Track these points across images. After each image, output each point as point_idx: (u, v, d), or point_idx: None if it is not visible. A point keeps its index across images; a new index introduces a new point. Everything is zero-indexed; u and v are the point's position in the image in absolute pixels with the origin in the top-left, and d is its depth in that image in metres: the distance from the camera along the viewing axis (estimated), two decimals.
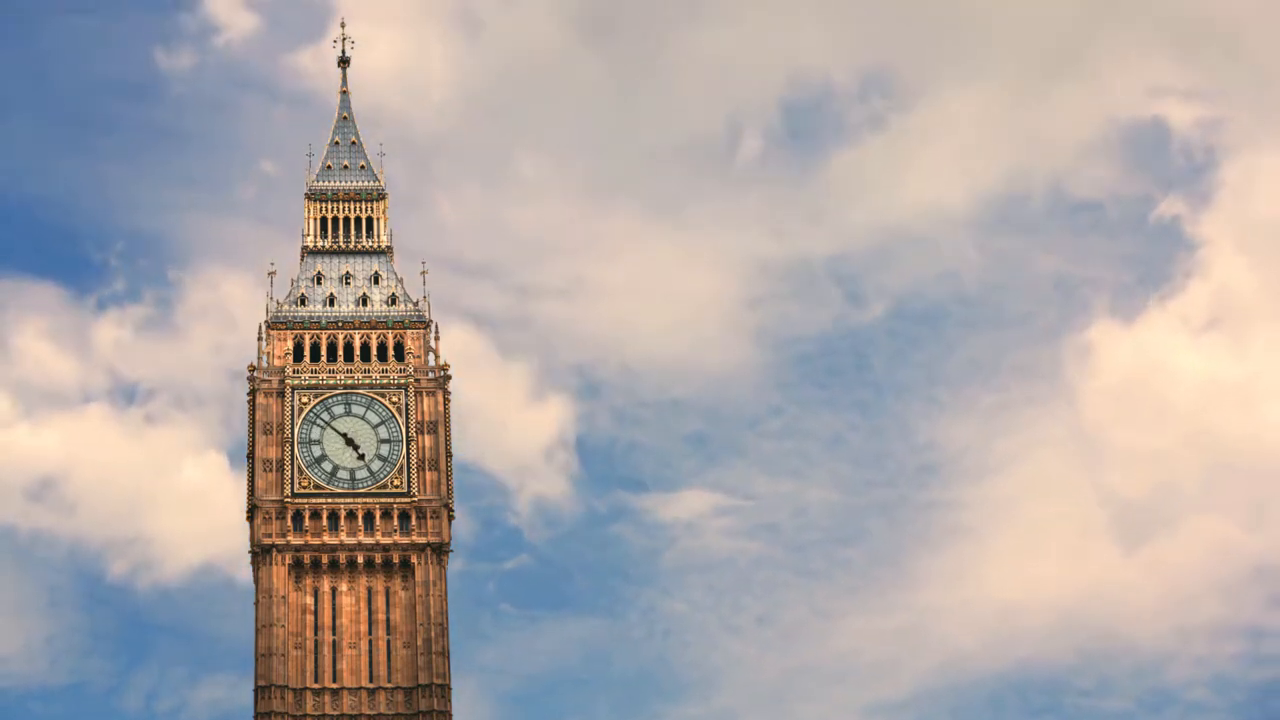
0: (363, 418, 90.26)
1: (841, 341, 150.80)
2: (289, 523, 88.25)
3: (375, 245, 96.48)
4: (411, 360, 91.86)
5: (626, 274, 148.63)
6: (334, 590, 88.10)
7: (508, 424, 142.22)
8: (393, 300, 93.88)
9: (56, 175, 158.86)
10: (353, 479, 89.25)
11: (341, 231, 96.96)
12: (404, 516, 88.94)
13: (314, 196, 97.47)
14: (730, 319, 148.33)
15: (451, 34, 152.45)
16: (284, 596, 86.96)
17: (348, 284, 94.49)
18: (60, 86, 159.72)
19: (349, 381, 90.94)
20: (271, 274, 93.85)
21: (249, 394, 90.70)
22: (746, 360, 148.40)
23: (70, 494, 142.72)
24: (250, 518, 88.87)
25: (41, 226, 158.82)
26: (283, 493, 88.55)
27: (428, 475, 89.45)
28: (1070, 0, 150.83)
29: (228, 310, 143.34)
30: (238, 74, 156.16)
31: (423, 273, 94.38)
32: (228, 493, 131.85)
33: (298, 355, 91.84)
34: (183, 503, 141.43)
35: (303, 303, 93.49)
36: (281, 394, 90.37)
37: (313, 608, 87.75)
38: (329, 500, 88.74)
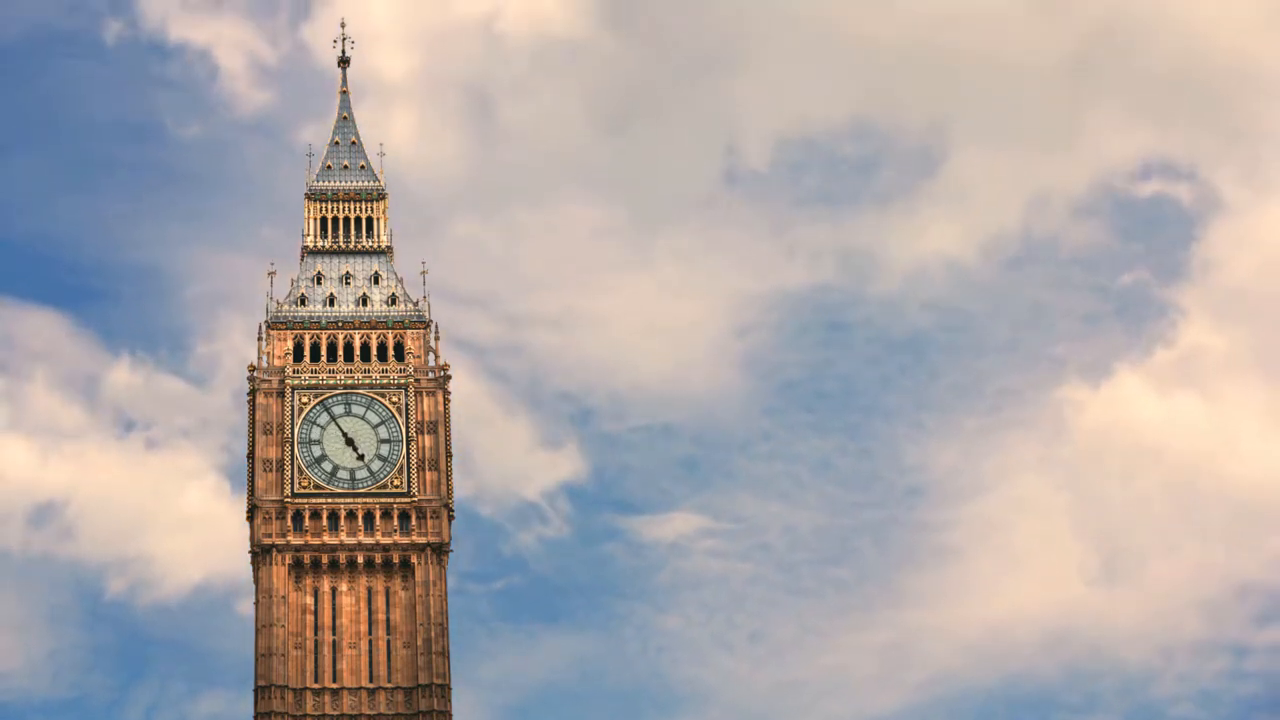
0: (363, 418, 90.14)
1: (827, 368, 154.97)
2: (289, 523, 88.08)
3: (375, 245, 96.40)
4: (411, 360, 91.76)
5: (618, 305, 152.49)
6: (334, 590, 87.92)
7: (502, 456, 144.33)
8: (393, 300, 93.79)
9: (60, 211, 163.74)
10: (353, 479, 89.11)
11: (341, 231, 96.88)
12: (404, 516, 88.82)
13: (314, 196, 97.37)
14: (718, 348, 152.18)
15: (462, 114, 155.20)
16: (284, 596, 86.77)
17: (348, 284, 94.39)
18: (68, 128, 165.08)
19: (349, 381, 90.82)
20: (271, 274, 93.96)
21: (249, 394, 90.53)
22: (735, 387, 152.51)
23: (72, 518, 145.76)
24: (250, 518, 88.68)
25: (45, 258, 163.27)
26: (283, 493, 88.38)
27: (428, 475, 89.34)
28: (1065, 70, 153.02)
29: (230, 340, 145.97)
30: (243, 127, 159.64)
31: (423, 273, 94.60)
32: (227, 515, 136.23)
33: (298, 355, 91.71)
34: (183, 525, 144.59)
35: (303, 303, 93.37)
36: (281, 394, 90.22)
37: (313, 608, 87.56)
38: (329, 500, 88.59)
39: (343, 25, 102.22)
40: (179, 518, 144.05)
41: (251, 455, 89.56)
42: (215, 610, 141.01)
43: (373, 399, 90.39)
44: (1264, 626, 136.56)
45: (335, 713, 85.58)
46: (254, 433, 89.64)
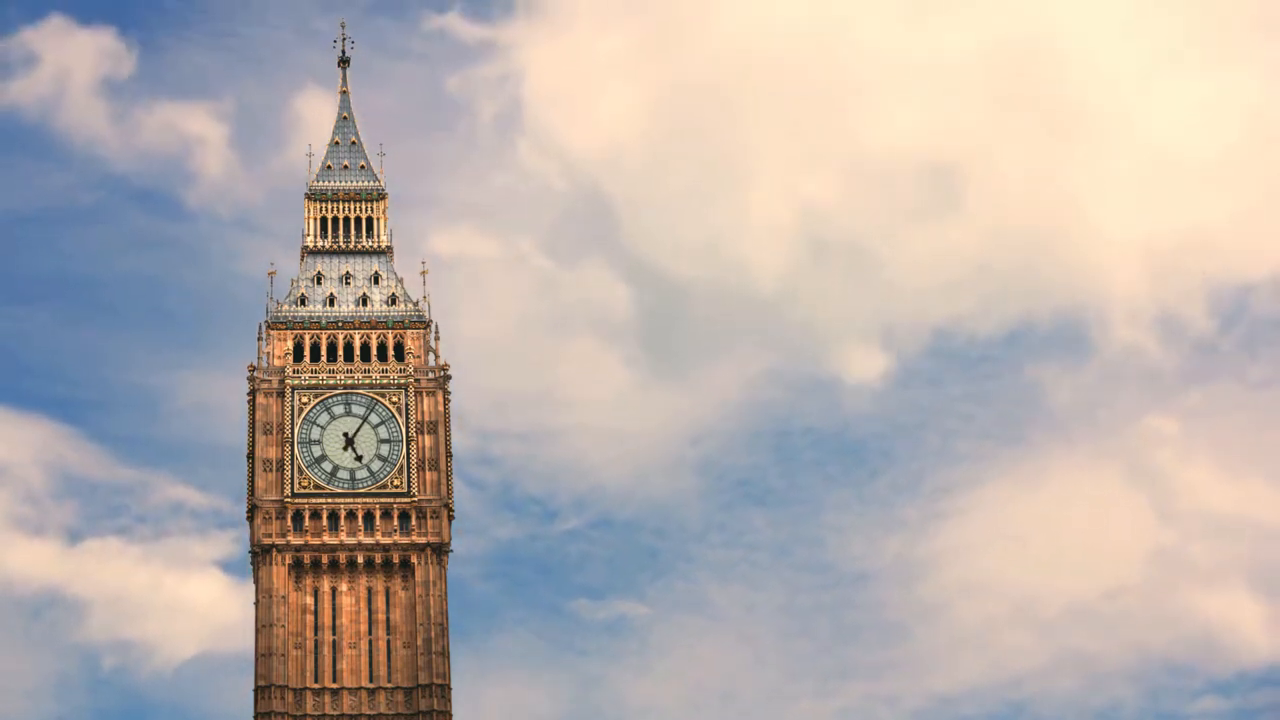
0: (363, 418, 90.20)
1: (775, 468, 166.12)
2: (289, 522, 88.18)
3: (375, 245, 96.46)
4: (411, 360, 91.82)
5: (578, 418, 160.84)
6: (334, 590, 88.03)
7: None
8: (393, 300, 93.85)
9: (65, 343, 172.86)
10: (353, 479, 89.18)
11: (341, 231, 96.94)
12: (404, 516, 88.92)
13: (314, 196, 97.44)
14: (674, 456, 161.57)
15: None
16: (284, 596, 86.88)
17: (348, 284, 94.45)
18: (76, 282, 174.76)
19: (349, 381, 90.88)
20: (272, 274, 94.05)
21: (249, 394, 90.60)
22: (691, 488, 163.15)
23: (77, 607, 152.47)
24: (250, 518, 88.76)
25: (49, 377, 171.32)
26: (283, 492, 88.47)
27: (428, 475, 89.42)
28: None
29: (223, 436, 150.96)
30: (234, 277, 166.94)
31: (423, 272, 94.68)
32: (225, 599, 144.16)
33: (298, 355, 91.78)
34: (182, 610, 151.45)
35: (303, 303, 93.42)
36: (281, 394, 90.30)
37: (313, 608, 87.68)
38: (329, 500, 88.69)
39: (343, 25, 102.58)
40: (179, 604, 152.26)
41: (251, 455, 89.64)
42: (212, 675, 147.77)
43: (373, 399, 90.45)
44: (1196, 699, 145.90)
45: (335, 713, 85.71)
46: (254, 432, 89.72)
